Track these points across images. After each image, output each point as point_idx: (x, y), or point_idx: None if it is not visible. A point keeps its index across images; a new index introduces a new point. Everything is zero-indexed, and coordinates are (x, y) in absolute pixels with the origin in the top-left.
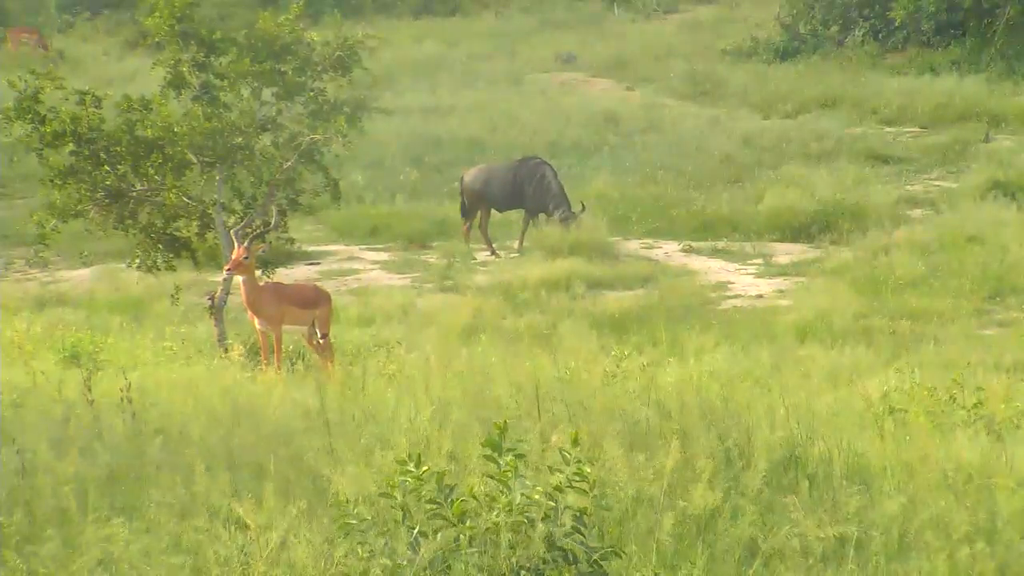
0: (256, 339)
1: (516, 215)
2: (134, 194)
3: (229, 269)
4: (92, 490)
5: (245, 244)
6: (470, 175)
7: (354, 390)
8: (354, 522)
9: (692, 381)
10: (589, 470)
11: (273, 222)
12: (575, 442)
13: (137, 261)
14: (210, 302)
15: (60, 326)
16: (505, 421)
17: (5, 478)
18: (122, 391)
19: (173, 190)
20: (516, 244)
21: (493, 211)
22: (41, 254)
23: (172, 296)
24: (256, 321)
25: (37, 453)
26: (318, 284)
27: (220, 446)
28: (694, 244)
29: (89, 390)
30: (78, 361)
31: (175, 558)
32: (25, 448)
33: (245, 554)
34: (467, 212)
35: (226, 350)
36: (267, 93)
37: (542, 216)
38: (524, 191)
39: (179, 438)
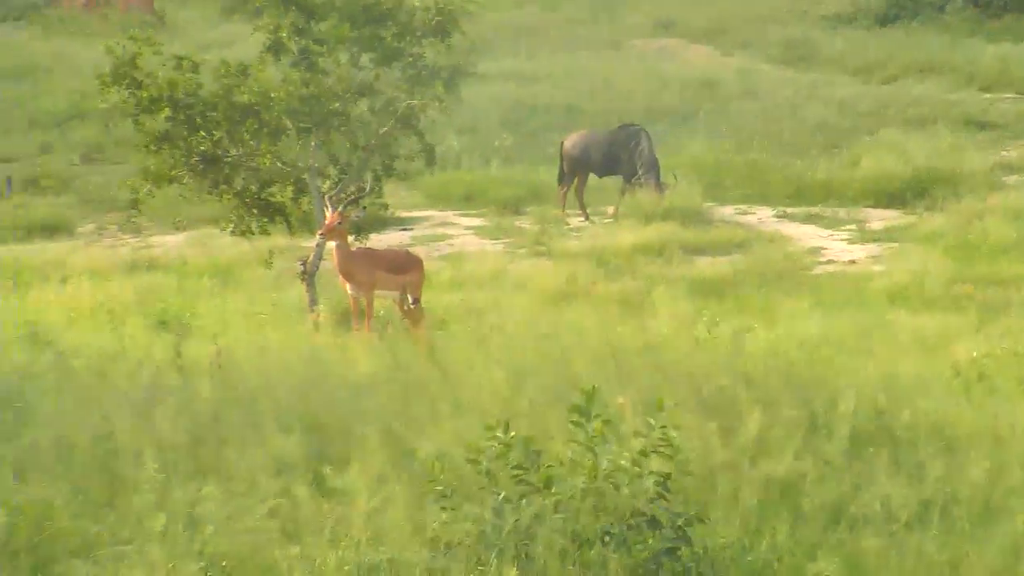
0: (347, 304)
1: (612, 181)
2: (229, 159)
3: (322, 234)
4: (179, 453)
5: (339, 209)
6: (570, 140)
7: (442, 355)
8: (441, 487)
9: (781, 347)
10: (674, 435)
11: (367, 187)
12: (660, 408)
13: (231, 226)
14: (302, 267)
15: (151, 291)
16: (592, 387)
17: (93, 442)
18: (211, 356)
19: (268, 155)
20: (611, 210)
21: (590, 177)
22: (134, 219)
23: (265, 261)
24: (348, 286)
25: (124, 417)
26: (410, 249)
27: (308, 410)
28: (788, 210)
29: (178, 355)
30: (168, 326)
31: (264, 522)
32: (112, 412)
33: (335, 518)
34: (564, 177)
35: (317, 315)
36: (365, 58)
37: (634, 182)
38: (620, 157)
39: (267, 402)
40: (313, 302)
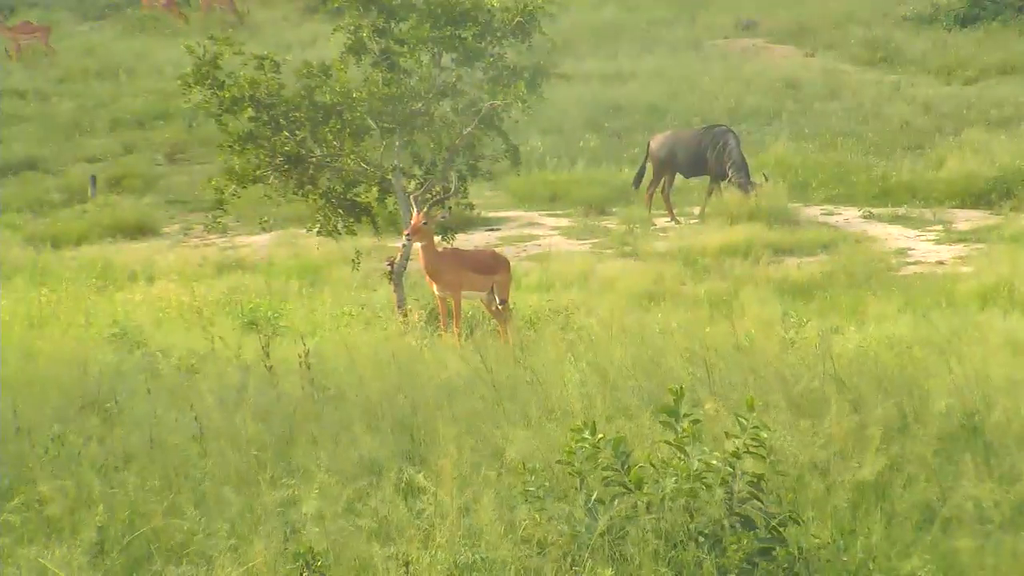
0: (435, 305)
1: (698, 183)
2: (313, 160)
3: (408, 235)
4: (269, 453)
5: (424, 210)
6: (657, 141)
7: (529, 356)
8: (532, 488)
9: (870, 348)
10: (766, 436)
11: (452, 188)
12: (751, 407)
13: (318, 226)
14: (389, 268)
15: (239, 291)
16: (681, 387)
17: (184, 443)
18: (300, 356)
19: (352, 155)
20: (697, 210)
21: (677, 177)
22: (219, 219)
23: (352, 261)
24: (435, 287)
25: (214, 417)
26: (497, 250)
27: (395, 411)
28: (874, 210)
29: (267, 355)
30: (256, 326)
31: (355, 521)
32: (203, 412)
33: (425, 517)
34: (640, 179)
35: (404, 316)
36: (447, 59)
37: (725, 183)
38: (707, 158)
39: (355, 402)
40: (401, 302)
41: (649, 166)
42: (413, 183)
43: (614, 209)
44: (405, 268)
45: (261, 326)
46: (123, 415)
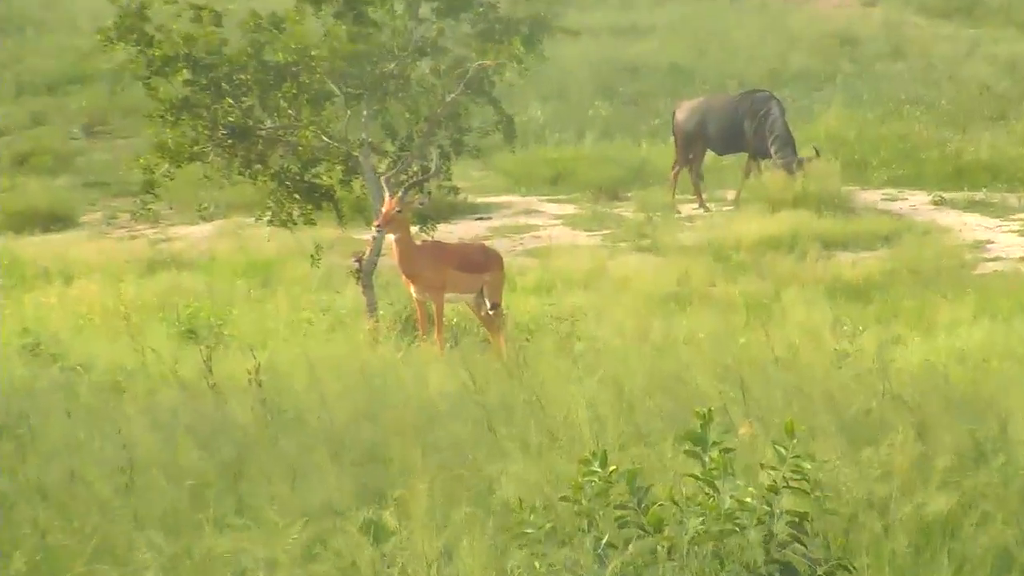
0: (412, 310)
1: (733, 160)
2: (263, 133)
3: (379, 225)
4: (213, 488)
5: (399, 195)
6: (684, 111)
7: (527, 372)
8: (531, 530)
9: (938, 361)
10: (809, 467)
11: (433, 167)
12: (791, 434)
13: (268, 214)
14: (357, 265)
15: (174, 293)
16: (710, 409)
17: (109, 475)
18: (249, 372)
19: (310, 128)
20: (731, 194)
21: (708, 154)
22: (149, 206)
23: (312, 257)
24: (412, 288)
25: (146, 445)
26: (487, 243)
27: (364, 437)
28: (946, 195)
29: (210, 371)
30: (196, 336)
31: (313, 567)
32: (133, 440)
33: (398, 565)
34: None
35: (376, 323)
36: (426, 9)
37: (765, 162)
38: (745, 130)
39: (316, 428)
40: (371, 307)
41: (674, 141)
42: (385, 162)
43: (629, 193)
44: (376, 265)
45: (202, 335)
46: (37, 442)
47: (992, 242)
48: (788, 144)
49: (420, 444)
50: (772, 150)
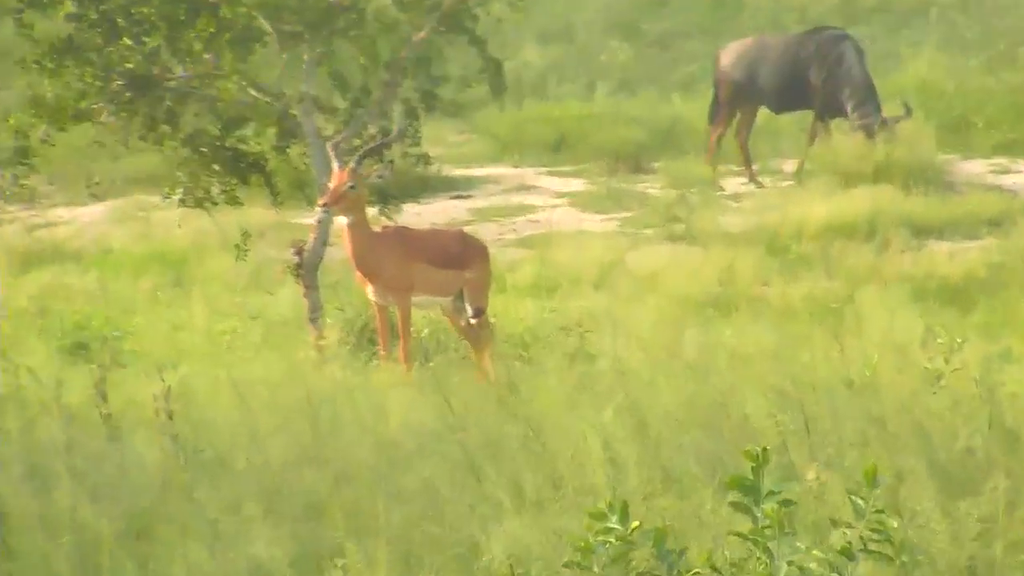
0: (369, 318)
1: (794, 120)
2: (172, 84)
3: (326, 205)
4: (107, 552)
5: (351, 165)
6: (729, 54)
7: (522, 399)
8: None
9: None
10: (895, 525)
11: (396, 129)
12: (871, 480)
13: (180, 192)
14: (297, 258)
15: (58, 296)
16: (764, 449)
17: None
18: (157, 399)
19: (234, 77)
20: (791, 165)
21: (761, 112)
22: (24, 181)
23: (237, 248)
24: (370, 289)
25: (21, 496)
26: (468, 230)
27: (308, 485)
28: None
29: (103, 398)
30: (87, 352)
31: None
32: (3, 491)
33: None
34: (719, 112)
35: (322, 335)
36: None
37: (836, 122)
38: (810, 80)
39: (245, 472)
40: (315, 314)
41: (716, 94)
42: (333, 122)
43: (656, 164)
44: (322, 259)
45: (94, 351)
46: None
47: None
48: (868, 99)
49: (380, 493)
50: (847, 107)
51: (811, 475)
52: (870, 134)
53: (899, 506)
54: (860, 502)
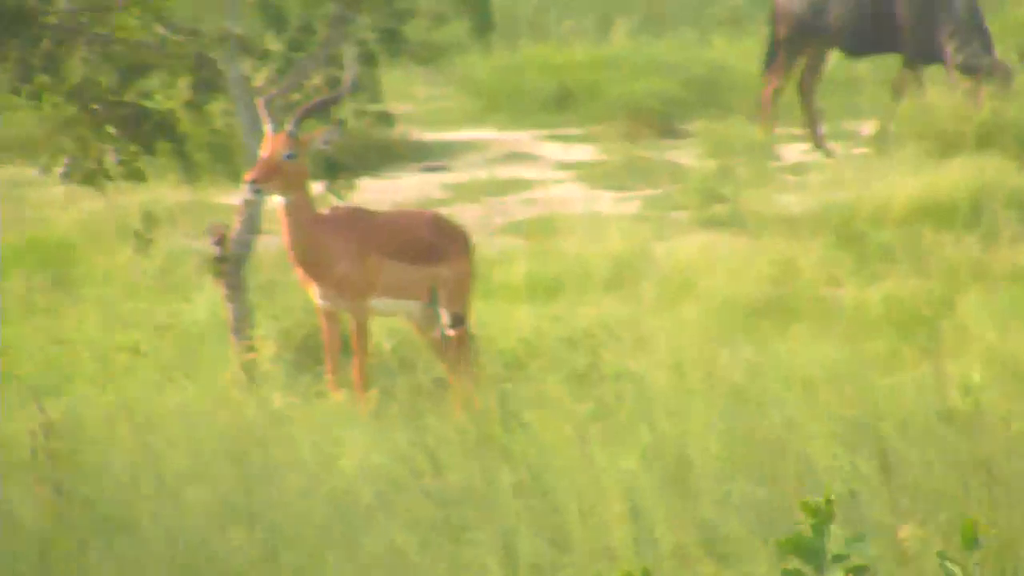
0: (314, 328)
1: (875, 68)
2: (52, 20)
3: (256, 179)
4: None
5: (289, 127)
6: None
7: (516, 435)
8: None
9: None
10: None
11: (349, 80)
12: (971, 540)
13: (63, 162)
14: (218, 250)
15: None
16: (829, 500)
17: None
18: (33, 435)
19: (135, 11)
20: (871, 128)
21: (832, 57)
22: None
23: (137, 236)
24: (315, 290)
25: None
26: (443, 212)
27: (233, 551)
28: None
29: None
30: None
31: None
32: None
33: None
34: (776, 58)
35: (251, 349)
36: None
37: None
38: (897, 15)
39: (150, 534)
40: (240, 323)
41: (772, 35)
42: (265, 70)
43: (691, 125)
44: (250, 250)
45: None
46: None
47: None
48: (975, 38)
49: (330, 561)
50: (947, 49)
51: (902, 534)
52: (976, 86)
53: (1006, 574)
54: (955, 569)
